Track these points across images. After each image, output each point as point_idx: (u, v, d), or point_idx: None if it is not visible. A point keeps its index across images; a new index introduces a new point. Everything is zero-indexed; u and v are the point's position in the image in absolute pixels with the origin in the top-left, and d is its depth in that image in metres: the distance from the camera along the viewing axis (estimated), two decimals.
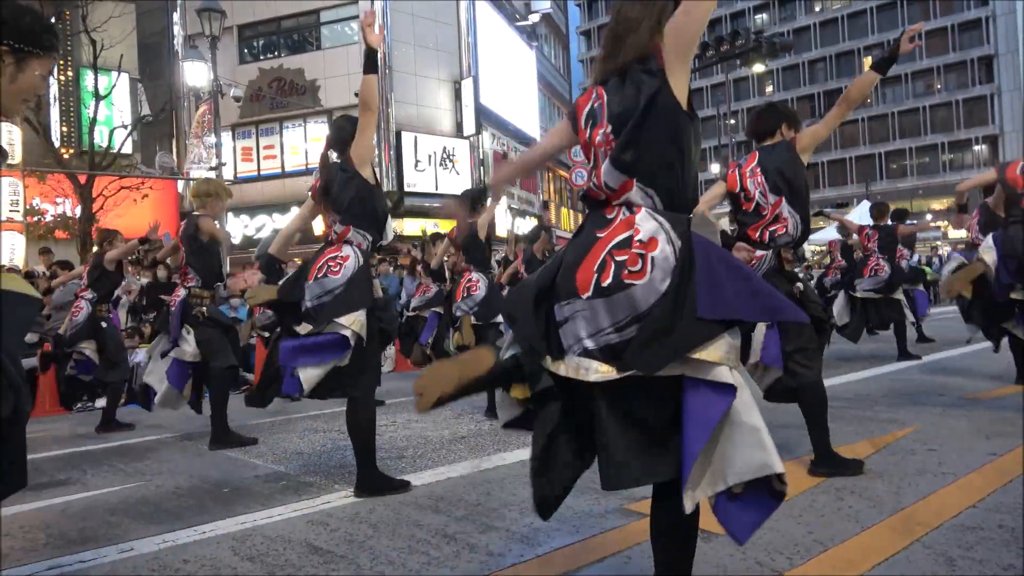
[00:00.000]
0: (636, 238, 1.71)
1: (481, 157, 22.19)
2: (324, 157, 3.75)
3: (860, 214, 20.99)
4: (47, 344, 8.13)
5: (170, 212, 19.45)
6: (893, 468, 3.46)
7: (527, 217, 25.26)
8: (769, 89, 57.78)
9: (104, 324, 6.20)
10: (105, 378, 6.17)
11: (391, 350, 10.98)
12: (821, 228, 24.66)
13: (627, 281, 1.67)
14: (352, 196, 3.54)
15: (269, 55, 21.61)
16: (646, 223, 1.73)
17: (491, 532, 2.78)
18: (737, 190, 3.59)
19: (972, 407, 4.85)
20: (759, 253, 3.50)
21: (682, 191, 1.80)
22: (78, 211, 15.97)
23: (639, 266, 1.68)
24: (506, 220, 22.51)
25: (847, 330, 7.73)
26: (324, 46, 21.18)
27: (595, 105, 1.90)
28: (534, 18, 28.60)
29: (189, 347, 5.07)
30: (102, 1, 16.20)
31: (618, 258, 1.70)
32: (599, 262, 1.72)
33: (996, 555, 2.37)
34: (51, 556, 2.85)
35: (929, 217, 44.21)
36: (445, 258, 7.53)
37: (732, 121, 44.80)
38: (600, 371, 1.69)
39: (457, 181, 21.32)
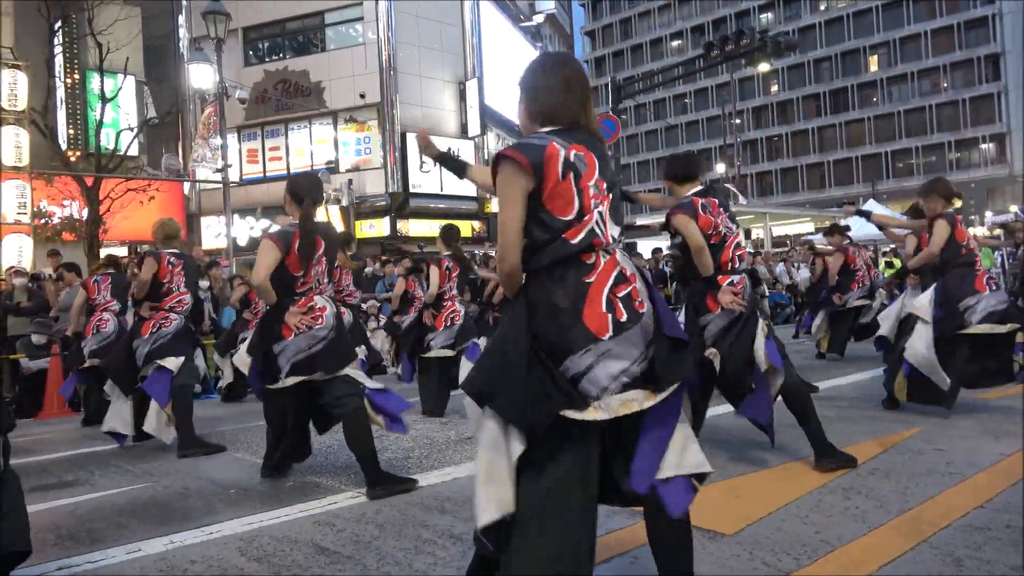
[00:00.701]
0: (626, 273, 1.88)
1: (486, 158, 22.19)
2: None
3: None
4: (55, 345, 8.17)
5: (176, 214, 19.50)
6: (900, 468, 3.45)
7: None
8: (774, 88, 57.64)
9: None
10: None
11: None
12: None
13: (640, 311, 1.85)
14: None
15: (274, 57, 21.65)
16: (624, 260, 1.92)
17: None
18: (710, 231, 3.73)
19: (979, 407, 4.83)
20: (737, 278, 3.72)
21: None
22: (85, 213, 16.03)
23: (640, 297, 1.87)
24: None
25: (834, 345, 7.91)
26: (329, 48, 21.22)
27: (574, 156, 1.90)
28: (538, 19, 28.60)
29: (178, 362, 5.04)
30: (108, 4, 16.26)
31: (620, 294, 1.84)
32: (605, 303, 1.82)
33: (1004, 555, 2.36)
34: (60, 556, 2.87)
35: None
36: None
37: (737, 121, 44.73)
38: (646, 397, 1.84)
39: (462, 182, 21.26)
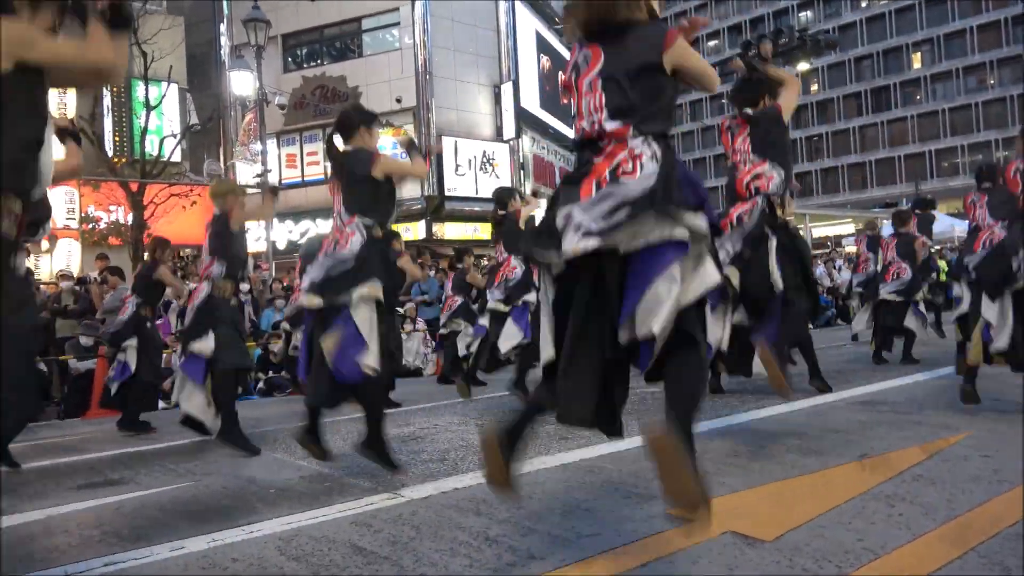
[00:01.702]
0: (629, 154, 2.11)
1: (521, 161, 22.23)
2: (331, 142, 3.94)
3: None
4: (102, 347, 8.40)
5: None
6: (946, 475, 3.36)
7: None
8: (814, 87, 56.73)
9: (148, 324, 6.42)
10: (139, 375, 6.35)
11: (431, 354, 11.06)
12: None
13: (621, 179, 2.09)
14: (362, 187, 3.76)
15: (312, 63, 21.98)
16: (636, 143, 2.13)
17: (532, 535, 2.78)
18: (728, 149, 4.10)
19: None
20: (751, 201, 3.93)
21: (661, 122, 2.20)
22: (130, 218, 16.45)
23: (631, 167, 2.09)
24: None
25: (876, 340, 7.76)
26: (366, 53, 21.47)
27: (582, 57, 2.27)
28: None
29: (208, 344, 5.05)
30: (152, 14, 16.68)
31: (611, 168, 2.11)
32: (597, 180, 2.11)
33: None
34: (106, 553, 2.94)
35: None
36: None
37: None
38: (594, 243, 2.06)
39: (497, 185, 21.39)
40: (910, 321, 7.40)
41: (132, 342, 6.31)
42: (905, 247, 7.57)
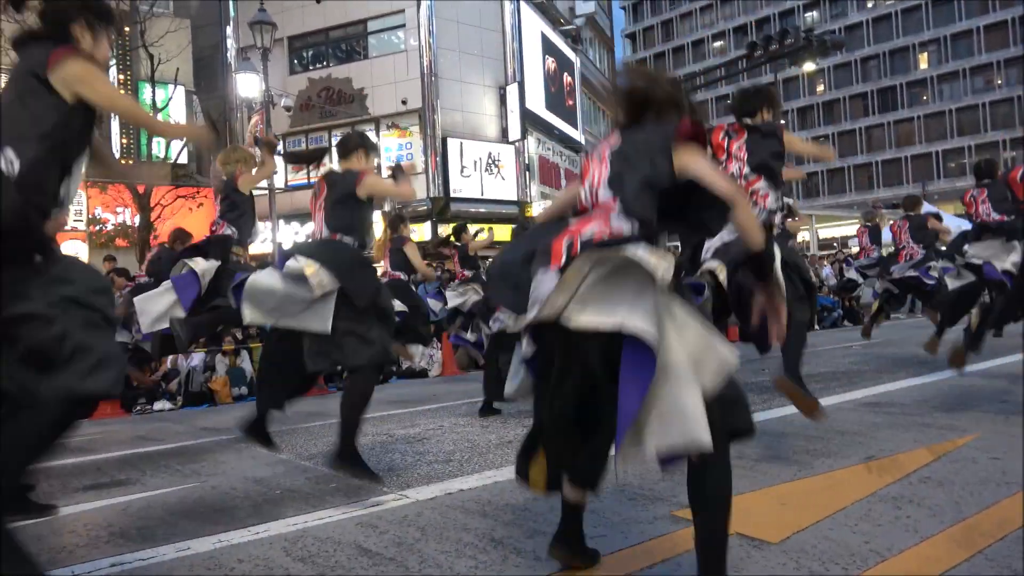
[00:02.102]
0: (608, 226, 2.01)
1: (526, 162, 22.24)
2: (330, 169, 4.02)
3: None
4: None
5: None
6: (954, 477, 3.35)
7: None
8: (820, 88, 56.59)
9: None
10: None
11: (438, 354, 11.06)
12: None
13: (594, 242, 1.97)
14: (344, 207, 3.76)
15: (318, 65, 22.03)
16: (617, 220, 2.02)
17: (538, 537, 2.78)
18: (722, 156, 3.95)
19: None
20: None
21: (651, 229, 2.06)
22: (137, 220, 16.51)
23: (605, 238, 1.98)
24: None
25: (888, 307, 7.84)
26: (371, 55, 21.51)
27: (598, 147, 2.25)
28: (578, 22, 28.57)
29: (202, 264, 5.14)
30: (159, 17, 16.76)
31: (585, 236, 1.98)
32: (568, 242, 1.99)
33: None
34: (113, 553, 2.95)
35: None
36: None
37: (782, 122, 43.98)
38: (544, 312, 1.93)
39: (503, 187, 21.40)
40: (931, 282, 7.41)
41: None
42: (918, 230, 7.59)
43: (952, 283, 6.29)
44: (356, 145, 3.95)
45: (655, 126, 2.14)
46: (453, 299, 8.22)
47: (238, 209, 5.35)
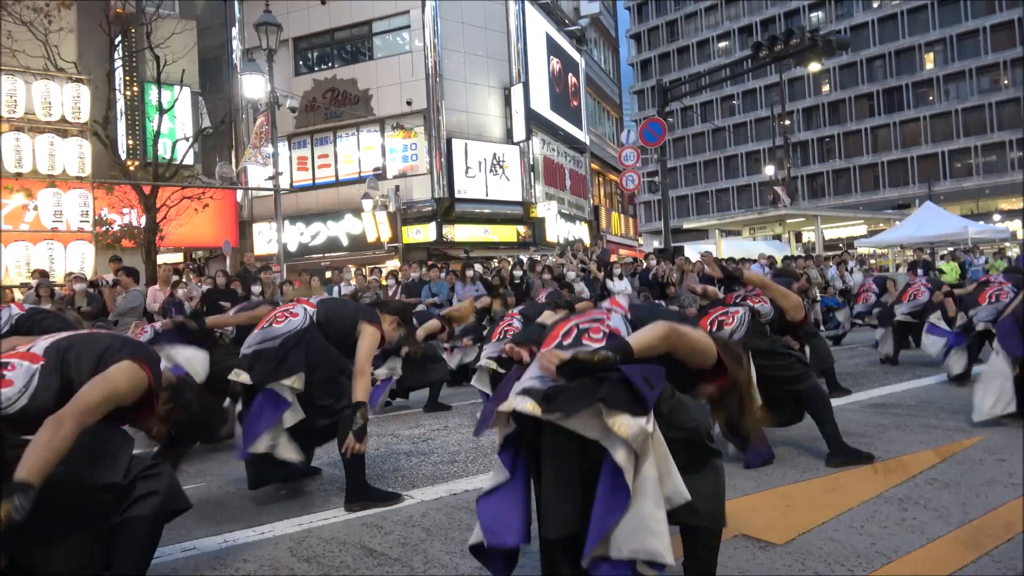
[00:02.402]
0: (606, 321, 2.11)
1: (531, 163, 22.24)
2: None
3: (922, 218, 20.24)
4: None
5: (229, 221, 20.00)
6: (960, 479, 3.34)
7: (577, 222, 25.20)
8: (826, 88, 56.40)
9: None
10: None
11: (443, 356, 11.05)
12: (882, 229, 23.99)
13: (584, 342, 2.02)
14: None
15: (323, 66, 22.06)
16: (616, 318, 2.13)
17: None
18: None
19: None
20: (734, 309, 3.87)
21: None
22: (143, 221, 16.55)
23: (599, 336, 2.05)
24: (557, 226, 22.50)
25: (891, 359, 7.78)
26: (376, 56, 21.53)
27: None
28: (583, 22, 28.55)
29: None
30: (165, 19, 16.81)
31: (582, 326, 2.10)
32: (565, 328, 2.11)
33: None
34: None
35: (997, 217, 42.50)
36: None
37: (787, 122, 43.79)
38: (528, 407, 1.88)
39: (507, 187, 21.39)
40: (925, 341, 7.26)
41: None
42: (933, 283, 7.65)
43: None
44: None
45: None
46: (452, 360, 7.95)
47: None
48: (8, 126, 14.94)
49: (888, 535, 2.65)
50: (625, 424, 1.80)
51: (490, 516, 2.02)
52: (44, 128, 14.09)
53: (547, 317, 4.36)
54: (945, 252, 17.19)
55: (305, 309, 3.65)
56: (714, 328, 3.77)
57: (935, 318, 7.02)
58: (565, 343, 2.03)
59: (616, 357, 1.90)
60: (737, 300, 4.03)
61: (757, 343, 3.76)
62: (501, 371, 5.65)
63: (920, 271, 7.67)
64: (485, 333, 6.88)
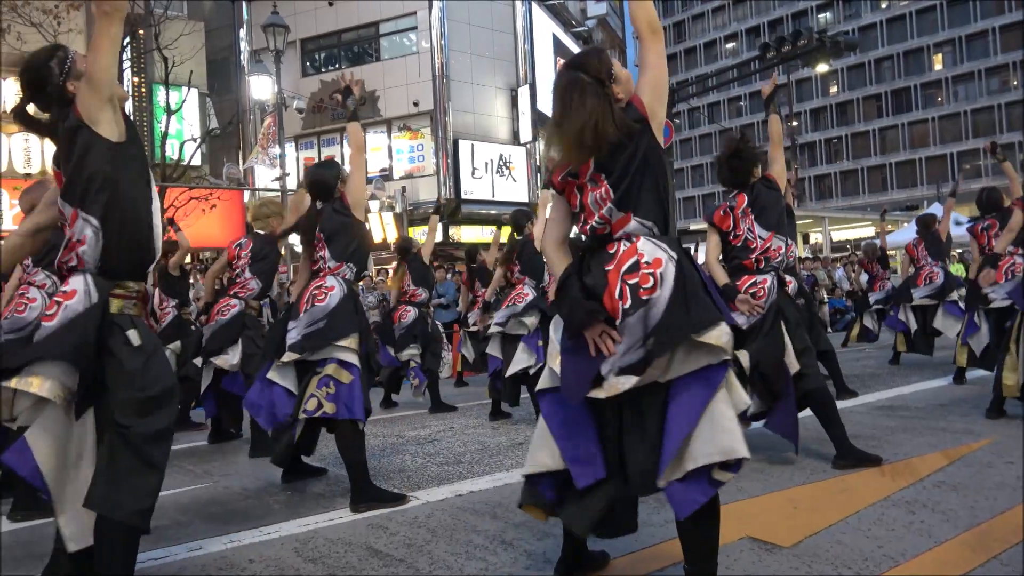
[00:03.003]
0: (643, 260, 1.99)
1: (538, 164, 22.24)
2: (298, 200, 3.93)
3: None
4: None
5: (236, 221, 20.05)
6: (968, 481, 3.32)
7: None
8: (833, 89, 56.24)
9: (193, 327, 6.52)
10: (182, 373, 6.39)
11: (448, 356, 11.04)
12: (891, 231, 23.87)
13: (644, 298, 1.96)
14: (347, 238, 3.70)
15: (330, 67, 22.12)
16: (647, 247, 2.02)
17: (548, 539, 2.77)
18: (728, 229, 3.88)
19: None
20: (761, 278, 3.75)
21: (669, 216, 2.13)
22: None
23: (651, 283, 1.97)
24: None
25: (921, 345, 7.56)
26: (383, 57, 21.58)
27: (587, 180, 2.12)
28: (590, 23, 28.54)
29: (234, 358, 5.11)
30: (173, 20, 16.88)
31: (630, 282, 1.98)
32: (618, 291, 1.99)
33: None
34: None
35: None
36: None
37: (795, 123, 43.67)
38: (633, 383, 1.95)
39: (514, 188, 21.40)
40: (939, 321, 7.29)
41: (176, 346, 6.46)
42: (934, 247, 7.48)
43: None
44: (333, 183, 3.82)
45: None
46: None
47: (268, 262, 5.29)
48: (18, 127, 14.96)
49: (895, 538, 2.63)
50: (717, 332, 1.93)
51: (574, 458, 2.05)
52: None
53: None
54: (953, 254, 17.10)
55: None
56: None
57: (955, 296, 7.09)
58: (626, 306, 1.95)
59: None
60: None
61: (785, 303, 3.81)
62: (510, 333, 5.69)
63: (926, 248, 7.48)
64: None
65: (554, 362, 2.11)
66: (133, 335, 2.19)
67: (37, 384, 2.03)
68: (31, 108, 2.28)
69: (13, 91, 13.91)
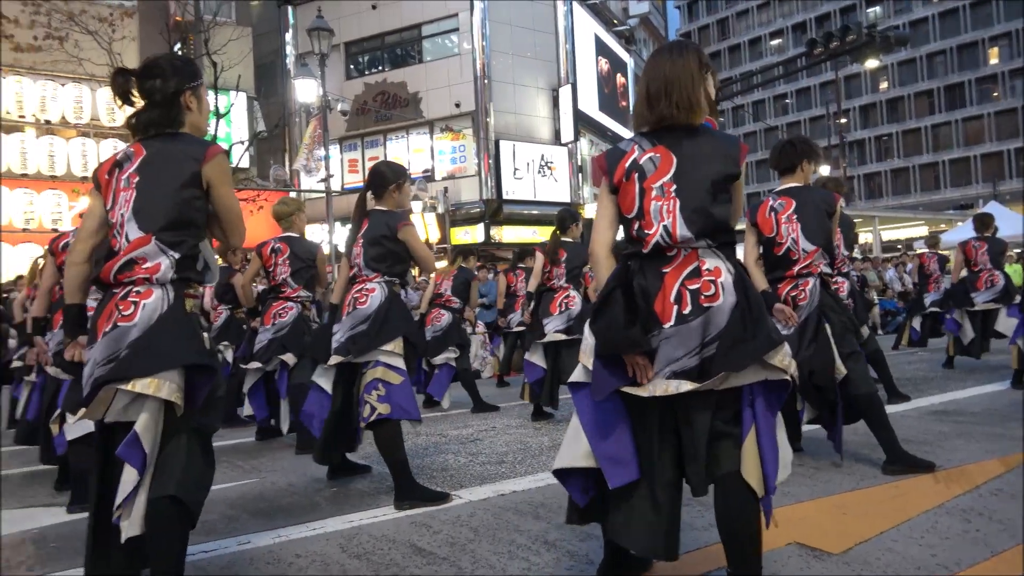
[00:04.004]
0: (704, 267, 1.99)
1: (579, 164, 22.17)
2: (363, 198, 3.92)
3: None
4: None
5: None
6: None
7: None
8: (884, 85, 54.86)
9: (244, 327, 6.66)
10: (234, 371, 6.54)
11: (490, 357, 11.09)
12: (944, 230, 23.20)
13: (705, 305, 1.95)
14: (384, 253, 3.74)
15: (374, 70, 22.38)
16: (707, 256, 2.01)
17: (591, 540, 2.76)
18: (770, 234, 3.76)
19: None
20: (803, 281, 3.68)
21: (729, 234, 2.08)
22: None
23: (712, 291, 1.96)
24: None
25: (973, 349, 7.34)
26: (426, 59, 21.75)
27: (646, 158, 2.08)
28: (632, 22, 28.35)
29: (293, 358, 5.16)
30: (222, 26, 17.26)
31: (691, 287, 1.97)
32: (675, 294, 1.97)
33: None
34: None
35: None
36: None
37: (844, 120, 42.63)
38: (686, 387, 1.94)
39: (555, 188, 21.37)
40: (1002, 324, 7.06)
41: (231, 347, 6.67)
42: (994, 252, 7.26)
43: None
44: (389, 180, 3.90)
45: (713, 145, 2.09)
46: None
47: (309, 270, 5.28)
48: (76, 131, 15.51)
49: (950, 547, 2.56)
50: (782, 354, 1.97)
51: (607, 456, 2.05)
52: (108, 133, 14.62)
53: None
54: (1011, 254, 16.53)
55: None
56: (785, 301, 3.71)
57: (1018, 299, 6.89)
58: (684, 311, 1.95)
59: None
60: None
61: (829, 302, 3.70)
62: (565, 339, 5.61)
63: (987, 252, 7.22)
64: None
65: (587, 359, 2.10)
66: (206, 337, 2.31)
67: (155, 386, 2.15)
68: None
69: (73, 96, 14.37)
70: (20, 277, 9.70)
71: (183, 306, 2.26)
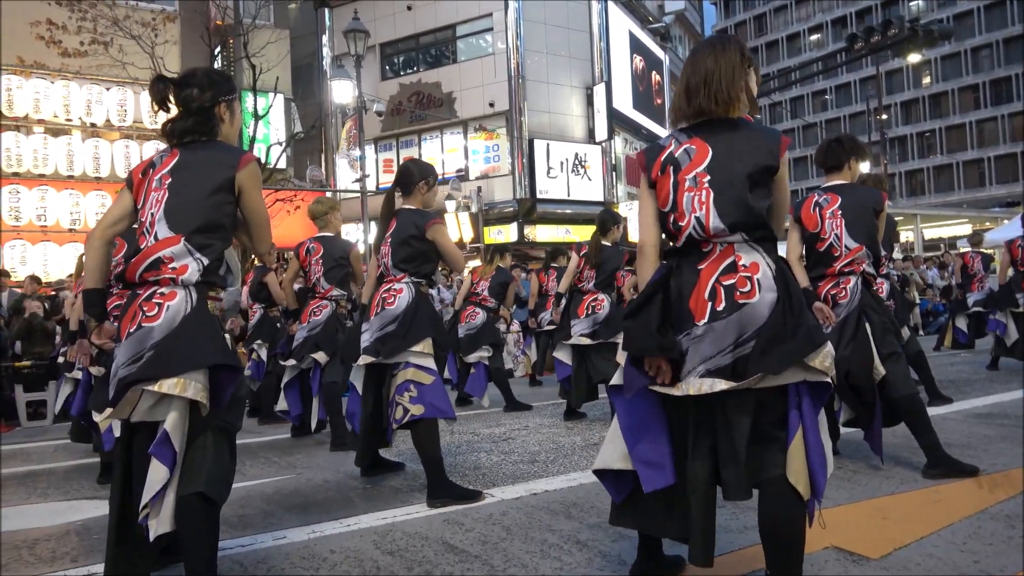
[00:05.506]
0: (740, 263, 1.94)
1: (613, 163, 22.05)
2: (391, 196, 3.88)
3: None
4: None
5: None
6: None
7: None
8: (927, 80, 53.60)
9: (278, 325, 6.77)
10: (271, 368, 6.64)
11: (522, 356, 11.09)
12: (988, 228, 22.59)
13: (741, 302, 1.90)
14: (412, 253, 3.71)
15: (408, 70, 22.53)
16: (744, 251, 1.96)
17: (623, 541, 2.75)
18: (815, 230, 3.70)
19: None
20: (844, 279, 3.63)
21: (767, 229, 2.00)
22: None
23: (748, 287, 1.91)
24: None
25: (1017, 350, 7.12)
26: (460, 59, 21.82)
27: (682, 151, 2.05)
28: (667, 19, 28.09)
29: (324, 356, 5.21)
30: (260, 29, 17.54)
31: (726, 283, 1.93)
32: (709, 290, 1.94)
33: None
34: None
35: None
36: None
37: (884, 116, 41.69)
38: (721, 387, 1.90)
39: (589, 187, 21.29)
40: None
41: (265, 345, 6.81)
42: None
43: None
44: (416, 178, 3.85)
45: (750, 138, 2.03)
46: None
47: (342, 269, 5.30)
48: (119, 134, 15.90)
49: (993, 553, 2.49)
50: (823, 356, 1.91)
51: (643, 460, 2.03)
52: (151, 136, 14.94)
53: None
54: None
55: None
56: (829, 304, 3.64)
57: None
58: (718, 308, 1.91)
59: None
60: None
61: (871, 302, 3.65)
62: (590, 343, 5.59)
63: None
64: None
65: (622, 357, 2.09)
66: (229, 339, 2.33)
67: (181, 386, 2.20)
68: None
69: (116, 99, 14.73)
70: (71, 276, 10.00)
71: (206, 308, 2.30)
